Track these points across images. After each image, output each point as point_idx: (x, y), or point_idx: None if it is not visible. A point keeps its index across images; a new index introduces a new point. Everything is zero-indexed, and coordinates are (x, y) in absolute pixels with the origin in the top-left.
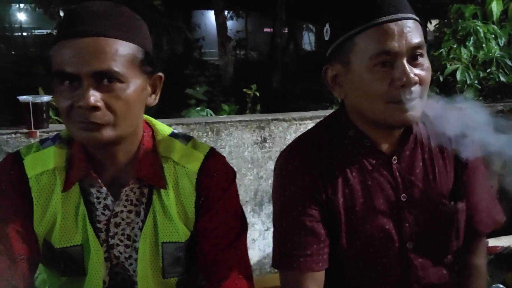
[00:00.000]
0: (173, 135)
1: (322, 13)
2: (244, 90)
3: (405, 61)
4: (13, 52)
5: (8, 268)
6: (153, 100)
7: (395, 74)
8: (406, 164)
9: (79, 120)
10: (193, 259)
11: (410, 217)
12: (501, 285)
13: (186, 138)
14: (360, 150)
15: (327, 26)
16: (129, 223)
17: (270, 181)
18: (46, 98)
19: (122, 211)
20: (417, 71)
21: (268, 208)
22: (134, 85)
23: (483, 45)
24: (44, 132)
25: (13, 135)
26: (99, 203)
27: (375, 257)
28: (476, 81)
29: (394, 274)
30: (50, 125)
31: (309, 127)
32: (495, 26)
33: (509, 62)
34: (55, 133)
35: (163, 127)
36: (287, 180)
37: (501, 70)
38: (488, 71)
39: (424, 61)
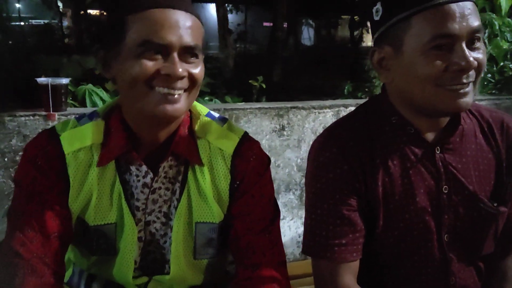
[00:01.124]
0: (209, 115)
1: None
2: (250, 81)
3: (464, 45)
4: (10, 42)
5: (41, 245)
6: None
7: (454, 58)
8: (450, 156)
9: (164, 92)
10: (224, 242)
11: (450, 209)
12: None
13: (222, 120)
14: (403, 138)
15: (378, 5)
16: (166, 201)
17: (288, 170)
18: (64, 81)
19: (160, 188)
20: (475, 54)
21: (285, 197)
22: (201, 61)
23: (498, 39)
24: (62, 115)
25: (31, 117)
26: (139, 181)
27: (412, 248)
28: (489, 75)
29: (431, 266)
30: (68, 109)
31: (328, 116)
32: (510, 19)
33: None
34: (84, 112)
35: (200, 107)
36: (324, 167)
37: None
38: (501, 64)
39: (481, 45)
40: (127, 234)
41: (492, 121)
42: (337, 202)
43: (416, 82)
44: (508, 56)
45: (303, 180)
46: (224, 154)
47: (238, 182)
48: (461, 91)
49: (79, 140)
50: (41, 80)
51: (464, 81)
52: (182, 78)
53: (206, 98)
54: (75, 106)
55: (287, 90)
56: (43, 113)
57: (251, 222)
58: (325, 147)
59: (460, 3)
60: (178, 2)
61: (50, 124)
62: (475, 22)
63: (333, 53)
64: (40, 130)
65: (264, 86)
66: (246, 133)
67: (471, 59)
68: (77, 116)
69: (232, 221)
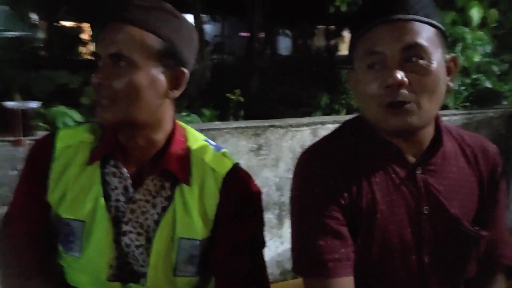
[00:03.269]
0: (207, 141)
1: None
2: (228, 95)
3: (393, 63)
4: None
5: (26, 237)
6: (174, 94)
7: (383, 76)
8: (431, 177)
9: (96, 98)
10: (206, 262)
11: (430, 230)
12: None
13: (218, 148)
14: (385, 156)
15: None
16: (143, 212)
17: (266, 189)
18: (35, 104)
19: (141, 199)
20: (409, 73)
21: (264, 217)
22: (145, 72)
23: (470, 52)
24: (32, 140)
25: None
26: (120, 182)
27: (391, 268)
28: (462, 87)
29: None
30: (39, 133)
31: (305, 134)
32: (482, 33)
33: (494, 68)
34: None
35: (198, 133)
36: (310, 181)
37: (487, 77)
38: (474, 77)
39: (423, 64)
40: (100, 234)
41: (474, 146)
42: (325, 216)
43: (364, 101)
44: (481, 68)
45: (282, 199)
46: (217, 175)
47: (226, 205)
48: (400, 109)
49: (72, 137)
50: (11, 104)
51: (399, 99)
52: (100, 86)
53: (184, 113)
54: (46, 130)
55: (264, 101)
56: (12, 138)
57: (236, 246)
58: (311, 162)
59: (396, 24)
60: (121, 15)
61: (20, 150)
62: (412, 38)
63: (310, 63)
64: (8, 157)
65: (241, 99)
66: (239, 163)
67: (399, 76)
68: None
69: (216, 244)
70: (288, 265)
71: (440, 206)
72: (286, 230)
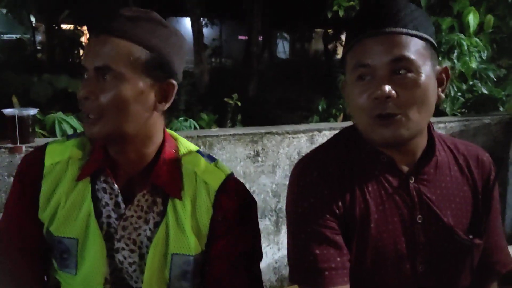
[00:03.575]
0: (199, 152)
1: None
2: (226, 99)
3: (381, 75)
4: None
5: (19, 255)
6: (162, 107)
7: (370, 87)
8: (424, 186)
9: (82, 111)
10: (200, 278)
11: (424, 239)
12: None
13: (210, 158)
14: (378, 165)
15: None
16: (136, 229)
17: (263, 196)
18: (32, 111)
19: (132, 216)
20: (396, 86)
21: (261, 223)
22: (132, 84)
23: (467, 58)
24: (30, 147)
25: None
26: (111, 199)
27: (385, 277)
28: (459, 93)
29: None
30: (37, 139)
31: (302, 141)
32: (477, 39)
33: (491, 75)
34: None
35: (189, 144)
36: (305, 191)
37: (483, 83)
38: (470, 83)
39: (411, 77)
40: (94, 251)
41: (468, 155)
42: (321, 225)
43: (354, 111)
44: (477, 75)
45: (279, 206)
46: (209, 188)
47: (220, 219)
48: (388, 120)
49: (60, 153)
50: (8, 111)
51: (388, 111)
52: (87, 100)
53: (181, 118)
54: (44, 136)
55: (262, 105)
56: (9, 145)
57: (231, 261)
58: (306, 171)
59: (384, 37)
60: (107, 27)
61: (17, 157)
62: (399, 51)
63: (307, 67)
64: (5, 164)
65: (239, 103)
66: (232, 173)
67: (386, 89)
68: (69, 134)
69: (211, 259)
70: (285, 272)
71: (434, 215)
72: (283, 236)
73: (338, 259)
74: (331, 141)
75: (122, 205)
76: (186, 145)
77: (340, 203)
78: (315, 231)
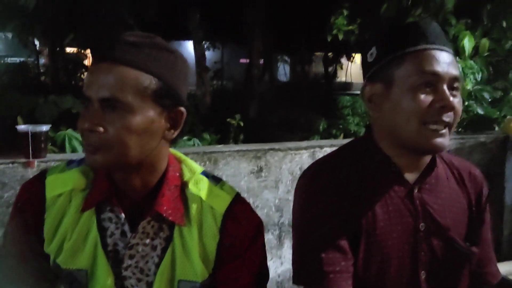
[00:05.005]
0: (203, 173)
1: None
2: (228, 120)
3: (445, 86)
4: None
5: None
6: (172, 135)
7: (437, 96)
8: (427, 195)
9: (84, 142)
10: None
11: (426, 246)
12: None
13: (215, 180)
14: (385, 176)
15: (373, 49)
16: (143, 256)
17: (266, 210)
18: (45, 128)
19: (138, 244)
20: (453, 99)
21: (264, 237)
22: (141, 115)
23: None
24: (42, 161)
25: (10, 165)
26: (117, 228)
27: (389, 282)
28: None
29: None
30: (48, 155)
31: (304, 157)
32: (472, 62)
33: (486, 96)
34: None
35: (194, 165)
36: (314, 197)
37: (479, 103)
38: (466, 104)
39: (459, 94)
40: (103, 280)
41: (461, 169)
42: (328, 230)
43: (402, 116)
44: (473, 96)
45: (281, 220)
46: (215, 213)
47: (227, 244)
48: (441, 131)
49: (62, 185)
50: (21, 127)
51: (445, 119)
52: (91, 132)
53: (185, 137)
54: (54, 152)
55: (264, 126)
56: (22, 160)
57: (240, 286)
58: (316, 178)
59: (444, 53)
60: (110, 54)
61: (30, 171)
62: (456, 71)
63: (308, 89)
64: (18, 178)
65: (241, 124)
66: (238, 194)
67: (452, 99)
68: (69, 160)
69: (219, 285)
70: (288, 286)
71: (435, 223)
72: (286, 250)
73: (343, 263)
74: (339, 150)
75: (129, 234)
76: (190, 167)
77: (348, 210)
78: (322, 236)
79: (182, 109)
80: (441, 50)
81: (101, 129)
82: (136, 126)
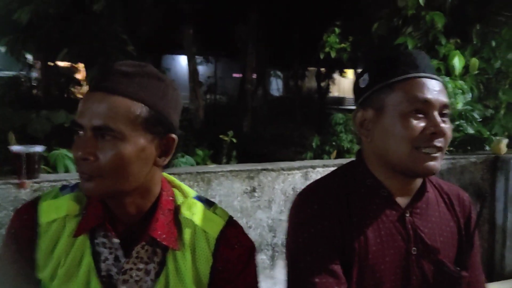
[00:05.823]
0: (196, 197)
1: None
2: (221, 136)
3: (436, 113)
4: None
5: None
6: (163, 161)
7: (429, 123)
8: (418, 220)
9: (78, 170)
10: None
11: (418, 270)
12: None
13: (208, 203)
14: (376, 200)
15: (365, 76)
16: (137, 281)
17: (259, 230)
18: (38, 148)
19: (131, 269)
20: (443, 125)
21: (257, 257)
22: (133, 143)
23: (452, 99)
24: (35, 182)
25: (3, 186)
26: (111, 253)
27: None
28: None
29: None
30: (41, 175)
31: (296, 177)
32: (462, 82)
33: (475, 115)
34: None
35: (187, 189)
36: (305, 222)
37: (469, 123)
38: (457, 123)
39: (448, 121)
40: None
41: (450, 194)
42: (320, 255)
43: (394, 141)
44: (463, 115)
45: (274, 240)
46: (208, 237)
47: (220, 268)
48: (432, 155)
49: (56, 211)
50: (16, 148)
51: (437, 144)
52: (85, 159)
53: (178, 154)
54: (47, 172)
55: (257, 141)
56: (16, 181)
57: None
58: (306, 203)
59: (434, 81)
60: (103, 84)
61: (23, 192)
62: (446, 99)
63: (301, 104)
64: (11, 199)
65: (234, 140)
66: (231, 217)
67: (443, 125)
68: (62, 185)
69: None
70: None
71: (426, 247)
72: (279, 271)
73: None
74: (330, 175)
75: (123, 259)
76: (184, 191)
77: (339, 235)
78: (314, 261)
79: (174, 136)
80: (431, 78)
81: (92, 158)
82: (127, 154)
